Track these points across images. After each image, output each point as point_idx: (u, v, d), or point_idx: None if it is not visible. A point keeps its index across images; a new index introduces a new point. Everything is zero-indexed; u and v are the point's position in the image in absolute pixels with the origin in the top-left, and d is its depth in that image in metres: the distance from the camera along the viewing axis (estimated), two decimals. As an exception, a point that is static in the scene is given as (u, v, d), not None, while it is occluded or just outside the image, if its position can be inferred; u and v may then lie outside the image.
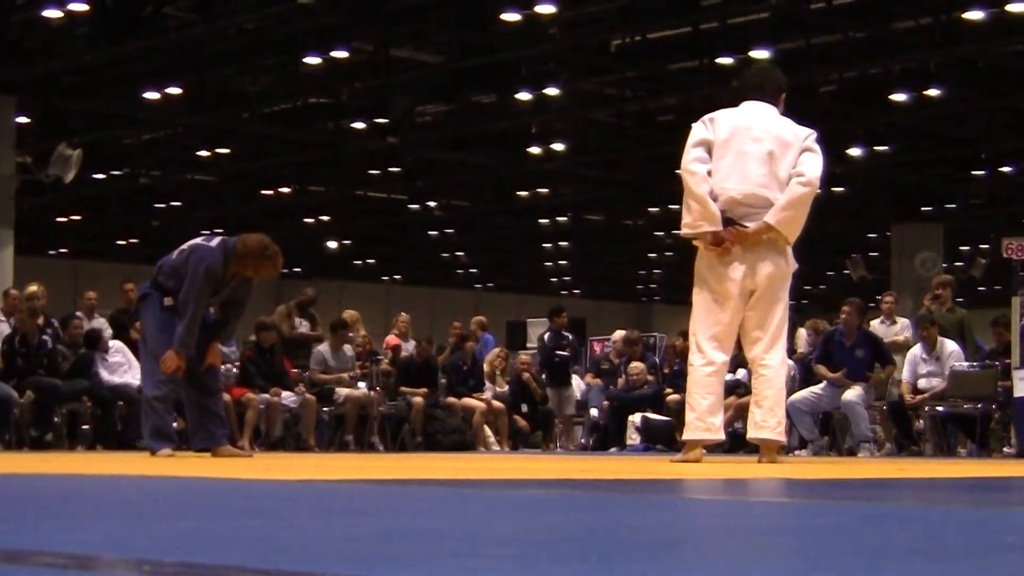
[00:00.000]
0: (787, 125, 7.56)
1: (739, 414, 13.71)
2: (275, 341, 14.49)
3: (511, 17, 17.16)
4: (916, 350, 13.85)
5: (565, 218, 33.65)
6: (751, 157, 7.39)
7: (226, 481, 4.92)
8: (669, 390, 15.62)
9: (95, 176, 26.37)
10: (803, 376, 14.03)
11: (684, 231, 7.53)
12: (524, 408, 16.80)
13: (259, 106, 22.19)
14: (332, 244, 36.87)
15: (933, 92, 20.11)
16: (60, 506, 3.36)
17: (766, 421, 7.53)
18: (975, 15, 16.84)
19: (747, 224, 7.36)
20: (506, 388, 16.89)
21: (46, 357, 13.40)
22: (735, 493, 4.56)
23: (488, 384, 16.65)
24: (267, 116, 22.73)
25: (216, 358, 8.97)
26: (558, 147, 24.20)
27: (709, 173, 7.39)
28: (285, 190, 29.27)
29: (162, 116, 22.53)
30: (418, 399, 15.54)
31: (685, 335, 14.93)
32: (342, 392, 14.89)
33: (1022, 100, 21.08)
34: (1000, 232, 19.49)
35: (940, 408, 13.51)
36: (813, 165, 7.47)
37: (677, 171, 7.60)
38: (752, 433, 7.64)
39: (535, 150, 24.43)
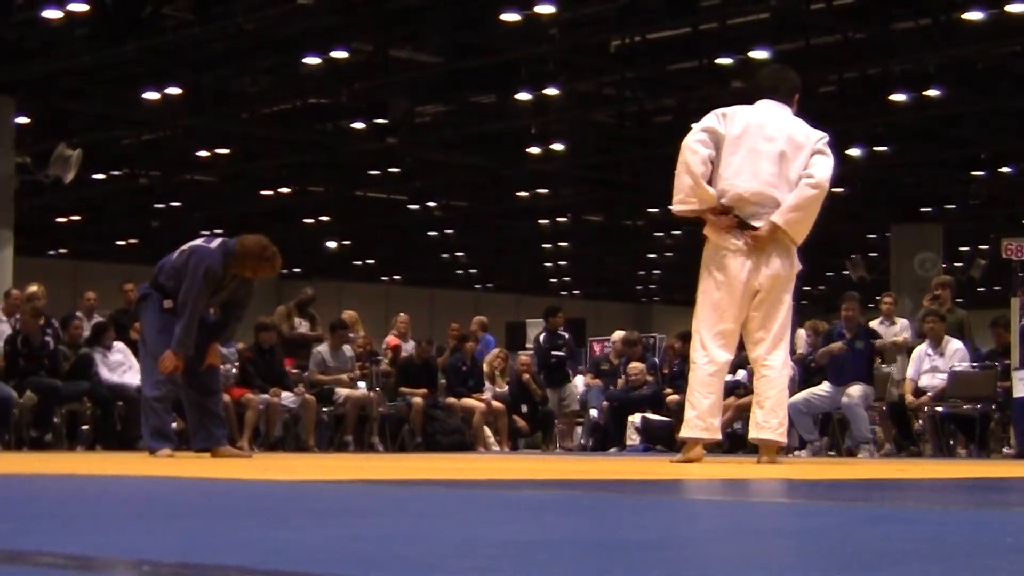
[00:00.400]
0: (800, 126, 7.56)
1: (739, 415, 13.73)
2: (275, 341, 14.49)
3: (510, 17, 17.16)
4: (922, 347, 13.86)
5: (564, 218, 33.64)
6: (763, 156, 7.39)
7: (225, 482, 4.92)
8: (669, 390, 15.62)
9: (95, 176, 26.36)
10: (803, 377, 14.03)
11: (676, 208, 7.50)
12: (524, 408, 16.81)
13: (258, 107, 22.19)
14: (331, 244, 36.87)
15: (932, 93, 20.10)
16: (60, 506, 3.36)
17: (767, 422, 7.52)
18: (974, 16, 16.84)
19: (755, 224, 7.36)
20: (506, 388, 16.90)
21: (48, 358, 13.41)
22: (735, 494, 4.56)
23: (488, 384, 16.66)
24: (266, 117, 22.73)
25: (216, 359, 8.98)
26: (557, 147, 24.20)
27: (711, 162, 7.39)
28: (284, 190, 29.26)
29: (162, 117, 22.53)
30: (418, 399, 15.54)
31: (684, 336, 14.99)
32: (342, 392, 14.89)
33: (1021, 101, 21.08)
34: (999, 233, 19.50)
35: (940, 409, 13.51)
36: (823, 168, 7.48)
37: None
38: (753, 433, 7.64)
39: (534, 150, 24.43)
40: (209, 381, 8.92)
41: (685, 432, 7.59)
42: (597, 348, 24.33)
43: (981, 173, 26.28)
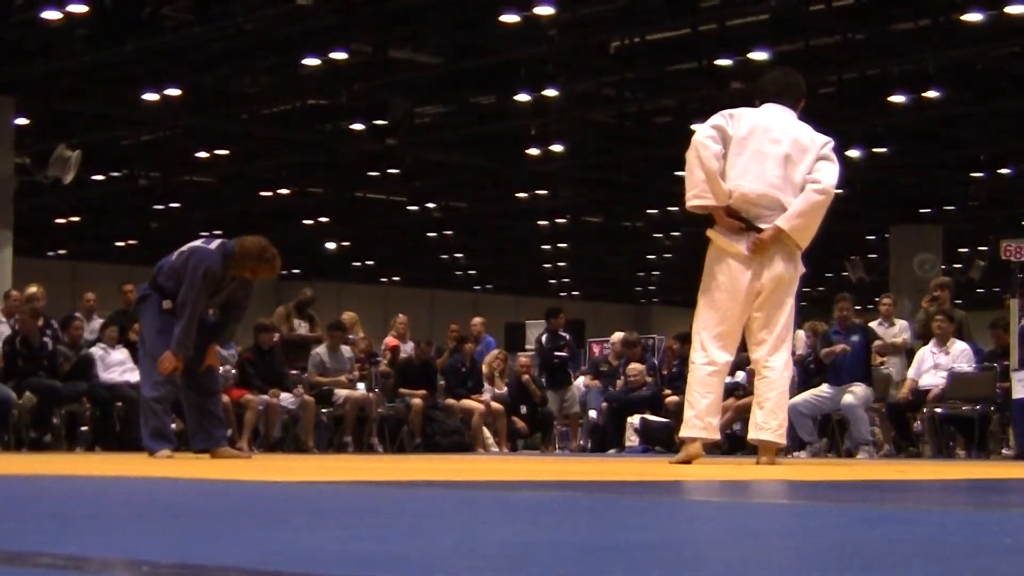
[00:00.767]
0: (805, 130, 7.56)
1: (738, 416, 13.72)
2: (274, 343, 14.49)
3: (509, 18, 17.15)
4: (927, 346, 13.86)
5: (564, 219, 33.63)
6: (768, 158, 7.39)
7: (225, 482, 4.92)
8: (668, 392, 15.61)
9: (94, 177, 26.35)
10: (802, 378, 14.04)
11: (692, 203, 7.44)
12: (523, 410, 16.81)
13: (258, 107, 22.18)
14: (331, 245, 36.85)
15: (932, 94, 20.10)
16: (59, 507, 3.36)
17: (767, 423, 7.52)
18: (974, 17, 16.84)
19: (760, 226, 7.37)
20: (505, 390, 16.91)
21: (47, 358, 13.41)
22: (734, 495, 4.56)
23: (487, 386, 16.66)
24: (266, 117, 22.72)
25: (214, 360, 8.97)
26: (557, 148, 24.19)
27: (722, 158, 7.38)
28: (284, 191, 29.25)
29: (161, 117, 22.52)
30: (417, 400, 15.54)
31: (683, 338, 15.00)
32: (341, 393, 14.90)
33: (1021, 102, 21.07)
34: (999, 234, 19.50)
35: (939, 410, 13.51)
36: (830, 174, 7.49)
37: (680, 174, 7.57)
38: (753, 434, 7.64)
39: (534, 151, 24.42)
40: (208, 382, 8.92)
41: (684, 432, 7.60)
42: (596, 349, 24.33)
43: (980, 174, 26.27)
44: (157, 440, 8.69)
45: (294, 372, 14.89)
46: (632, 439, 15.57)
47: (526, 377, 16.93)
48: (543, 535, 2.46)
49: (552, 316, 18.05)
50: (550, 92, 20.59)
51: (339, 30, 17.69)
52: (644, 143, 23.98)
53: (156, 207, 30.96)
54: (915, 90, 20.08)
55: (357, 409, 15.00)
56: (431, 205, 31.32)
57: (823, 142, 7.56)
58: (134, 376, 13.69)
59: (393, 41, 18.69)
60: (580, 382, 18.46)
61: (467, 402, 16.11)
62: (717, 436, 7.86)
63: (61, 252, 37.43)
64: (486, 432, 16.07)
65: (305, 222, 33.12)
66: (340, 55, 18.63)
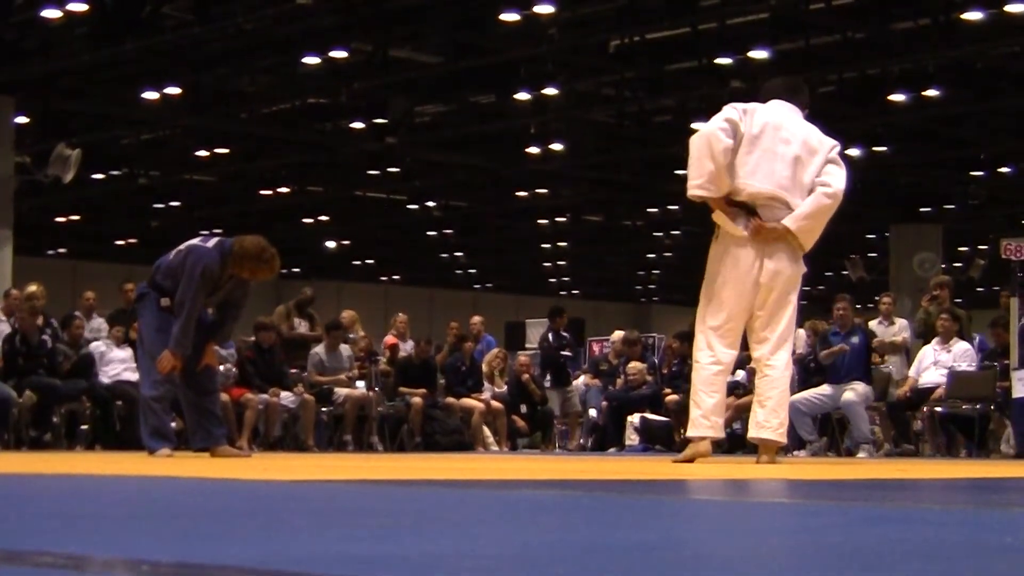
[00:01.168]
0: (814, 132, 7.57)
1: (738, 415, 13.72)
2: (274, 341, 14.49)
3: (509, 17, 17.16)
4: (929, 345, 13.86)
5: (564, 218, 33.64)
6: (778, 158, 7.38)
7: (224, 481, 4.92)
8: (668, 390, 15.61)
9: (94, 176, 26.37)
10: (801, 377, 14.03)
11: (694, 192, 7.42)
12: (523, 408, 16.82)
13: (257, 106, 22.19)
14: (331, 244, 36.86)
15: (932, 93, 20.11)
16: (59, 506, 3.36)
17: (768, 421, 7.52)
18: (973, 16, 16.84)
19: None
20: (505, 388, 16.91)
21: (46, 357, 13.41)
22: (735, 494, 4.56)
23: (487, 384, 16.67)
24: (265, 116, 22.73)
25: (212, 359, 8.97)
26: (557, 147, 24.20)
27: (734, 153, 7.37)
28: (284, 190, 29.26)
29: (161, 116, 22.53)
30: (417, 399, 15.54)
31: (683, 336, 15.01)
32: (341, 392, 14.90)
33: (1021, 101, 21.08)
34: (999, 233, 19.49)
35: (939, 409, 13.51)
36: (839, 178, 7.51)
37: (680, 173, 7.56)
38: (753, 432, 7.63)
39: (534, 150, 24.43)
40: (206, 381, 8.91)
41: (691, 431, 7.57)
42: (596, 348, 24.33)
43: (980, 173, 26.28)
44: (157, 439, 8.68)
45: (294, 371, 14.89)
46: (632, 438, 15.57)
47: (526, 376, 16.93)
48: (543, 534, 2.46)
49: (556, 315, 18.11)
50: (550, 91, 20.60)
51: (339, 29, 17.69)
52: (644, 142, 24.00)
53: (156, 206, 30.98)
54: (915, 89, 20.09)
55: (357, 408, 15.00)
56: (431, 204, 31.33)
57: (831, 145, 7.57)
58: (134, 375, 13.70)
59: (393, 40, 18.70)
60: (580, 381, 18.48)
61: (467, 401, 16.11)
62: (722, 435, 7.87)
63: (61, 251, 37.44)
64: (486, 431, 16.07)
65: (305, 221, 33.13)
66: (340, 54, 18.63)
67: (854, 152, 23.52)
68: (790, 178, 7.40)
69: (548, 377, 17.62)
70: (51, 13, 16.82)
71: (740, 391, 13.90)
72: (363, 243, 37.58)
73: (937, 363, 13.66)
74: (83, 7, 16.71)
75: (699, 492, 4.62)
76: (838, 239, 30.20)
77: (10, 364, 13.21)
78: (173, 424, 9.54)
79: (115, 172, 27.05)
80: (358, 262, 40.48)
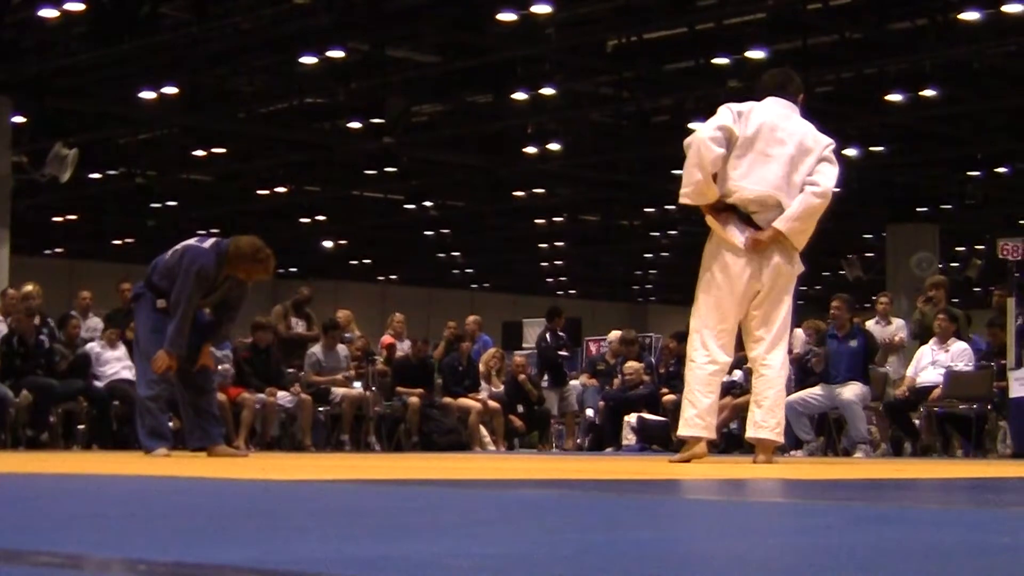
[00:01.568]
0: (809, 130, 7.55)
1: (734, 415, 13.72)
2: (271, 341, 14.49)
3: (507, 17, 17.16)
4: (929, 344, 13.86)
5: (561, 218, 33.65)
6: (773, 159, 7.38)
7: (221, 481, 4.91)
8: (665, 390, 15.62)
9: (91, 176, 26.36)
10: (799, 377, 14.04)
11: (684, 200, 7.48)
12: (520, 408, 16.82)
13: (255, 106, 22.19)
14: (328, 244, 36.86)
15: (929, 93, 20.12)
16: (55, 506, 3.35)
17: (766, 421, 7.51)
18: (971, 16, 16.85)
19: (756, 221, 7.38)
20: (502, 388, 16.91)
21: (43, 357, 13.40)
22: (731, 494, 4.56)
23: (484, 384, 16.67)
24: (263, 116, 22.72)
25: (208, 360, 8.97)
26: (554, 147, 24.20)
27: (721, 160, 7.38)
28: (281, 190, 29.26)
29: (158, 116, 22.52)
30: (414, 399, 15.55)
31: (680, 336, 15.00)
32: (338, 392, 14.90)
33: (1018, 101, 21.09)
34: (996, 233, 19.50)
35: (936, 408, 13.52)
36: (829, 176, 7.49)
37: (677, 173, 7.56)
38: (751, 432, 7.62)
39: (531, 150, 24.43)
40: (203, 380, 8.91)
41: (685, 431, 7.55)
42: (593, 348, 24.33)
43: (977, 173, 26.30)
44: (153, 439, 8.68)
45: (291, 371, 14.89)
46: (629, 438, 15.58)
47: (522, 376, 16.94)
48: (540, 534, 2.46)
49: (554, 316, 18.13)
50: (547, 91, 20.60)
51: (336, 29, 17.69)
52: (641, 142, 23.99)
53: (153, 205, 30.97)
54: (912, 89, 20.10)
55: (354, 408, 15.00)
56: (428, 204, 31.34)
57: (825, 143, 7.55)
58: (131, 373, 13.69)
59: (390, 40, 18.70)
60: (578, 382, 18.49)
61: (464, 401, 16.11)
62: (715, 436, 7.86)
63: (58, 250, 37.43)
64: (483, 431, 16.07)
65: (302, 220, 33.12)
66: (337, 54, 18.64)
67: (851, 152, 23.55)
68: (783, 178, 7.39)
69: (546, 377, 17.64)
70: (48, 12, 16.82)
71: (737, 391, 13.90)
72: (360, 243, 37.58)
73: (935, 363, 13.66)
74: (80, 6, 16.71)
75: (696, 492, 4.62)
76: (835, 239, 30.25)
77: (7, 365, 13.20)
78: (170, 424, 9.54)
79: (112, 171, 27.05)
80: (355, 262, 40.48)
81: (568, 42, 18.54)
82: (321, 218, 33.24)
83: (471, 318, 18.85)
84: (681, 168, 7.55)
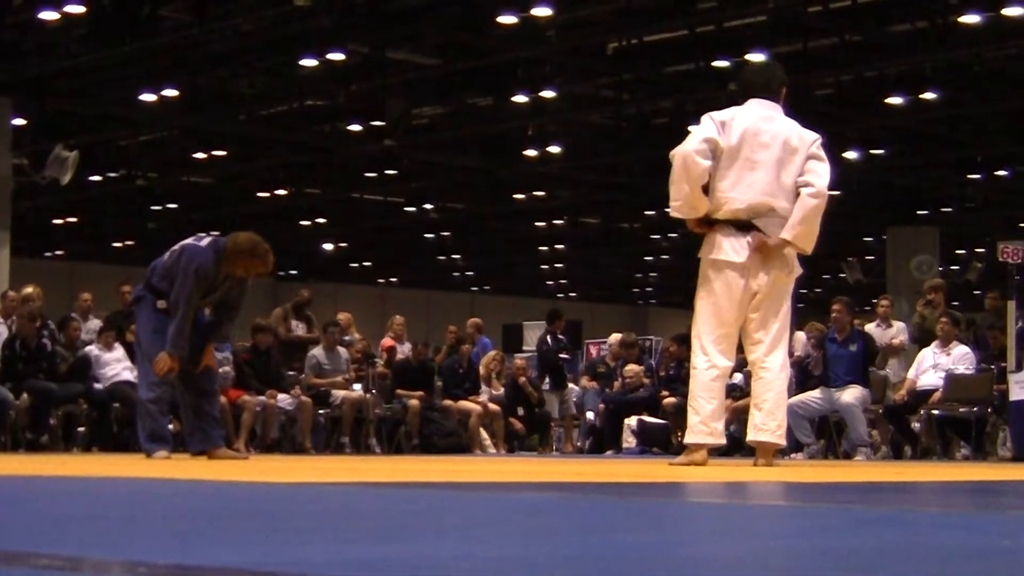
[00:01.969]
0: (794, 129, 7.51)
1: (735, 417, 13.71)
2: (271, 344, 14.49)
3: (507, 20, 17.16)
4: (931, 347, 13.86)
5: (561, 221, 33.64)
6: (759, 166, 7.36)
7: (222, 484, 4.91)
8: (665, 393, 15.61)
9: (91, 178, 26.35)
10: (799, 379, 14.04)
11: (676, 214, 7.51)
12: (520, 411, 16.82)
13: (255, 108, 22.18)
14: (328, 246, 36.86)
15: (929, 95, 20.12)
16: (56, 508, 3.35)
17: (766, 424, 7.50)
18: (971, 19, 16.86)
19: (755, 223, 7.38)
20: (502, 391, 16.91)
21: (45, 360, 13.40)
22: (732, 497, 4.56)
23: (484, 387, 16.67)
24: (263, 118, 22.72)
25: (212, 360, 8.97)
26: (554, 150, 24.20)
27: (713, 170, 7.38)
28: (281, 192, 29.26)
29: (158, 118, 22.52)
30: (414, 402, 15.55)
31: (680, 339, 15.00)
32: (338, 394, 14.90)
33: (1018, 103, 21.09)
34: (996, 236, 19.49)
35: (936, 412, 13.51)
36: (822, 175, 7.45)
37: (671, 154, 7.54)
38: (752, 436, 7.60)
39: (531, 153, 24.43)
40: (205, 383, 8.90)
41: (690, 438, 7.53)
42: (594, 350, 24.34)
43: (977, 176, 26.29)
44: (154, 441, 8.68)
45: (291, 373, 14.88)
46: (629, 440, 15.57)
47: (523, 379, 16.93)
48: (541, 537, 2.46)
49: (554, 318, 18.14)
50: (548, 93, 20.60)
51: (337, 31, 17.68)
52: (642, 144, 23.98)
53: (154, 208, 30.97)
54: (912, 91, 20.10)
55: (355, 410, 15.00)
56: (428, 206, 31.33)
57: (812, 140, 7.51)
58: (131, 375, 13.69)
59: (391, 42, 18.70)
60: (577, 387, 18.50)
61: (464, 403, 16.11)
62: (723, 441, 7.81)
63: (59, 253, 37.43)
64: (483, 433, 16.07)
65: (302, 223, 33.12)
66: (338, 56, 18.64)
67: (851, 154, 23.56)
68: (772, 183, 7.38)
69: (547, 380, 17.65)
70: (49, 14, 16.82)
71: (737, 394, 13.89)
72: (360, 245, 37.58)
73: (936, 366, 13.66)
74: (81, 8, 16.71)
75: (696, 495, 4.62)
76: (835, 241, 30.22)
77: (10, 368, 13.20)
78: (170, 426, 9.53)
79: (113, 174, 27.05)
80: (355, 264, 40.48)
81: (568, 44, 18.54)
82: (321, 220, 33.24)
83: (471, 321, 18.87)
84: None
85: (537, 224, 33.77)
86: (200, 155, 25.73)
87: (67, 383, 13.49)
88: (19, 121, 20.83)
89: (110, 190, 28.46)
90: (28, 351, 13.28)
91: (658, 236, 34.47)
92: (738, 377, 13.74)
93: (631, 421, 15.63)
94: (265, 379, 14.11)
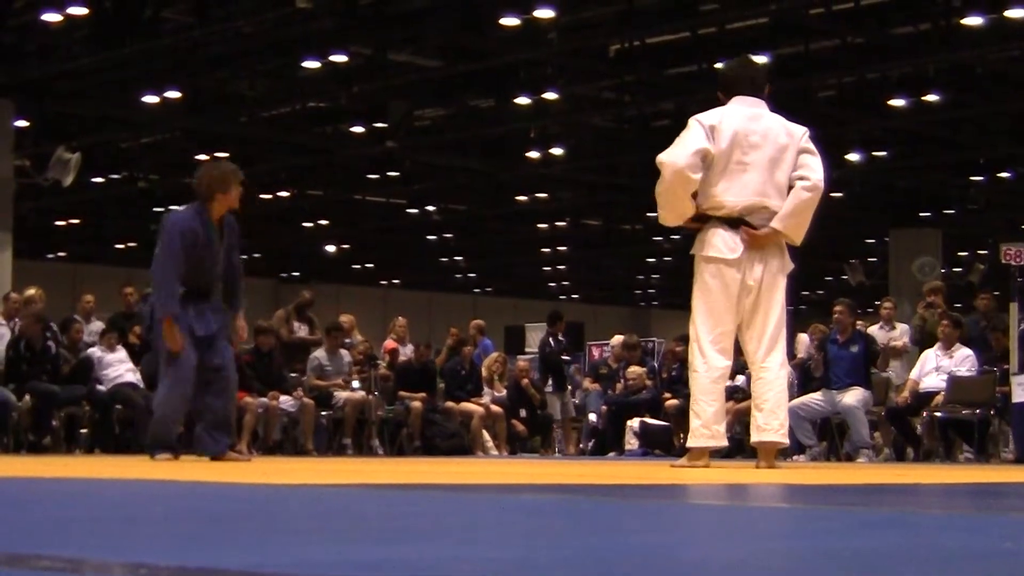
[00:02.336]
0: (781, 125, 7.48)
1: (737, 419, 13.70)
2: (273, 345, 14.49)
3: (509, 21, 17.17)
4: (933, 348, 13.85)
5: (563, 222, 33.65)
6: (750, 167, 7.35)
7: (224, 485, 4.91)
8: (667, 395, 15.61)
9: (93, 180, 26.37)
10: (801, 381, 14.03)
11: (667, 223, 7.66)
12: (522, 413, 16.82)
13: (257, 110, 22.20)
14: (330, 248, 36.87)
15: (931, 97, 20.12)
16: (58, 510, 3.35)
17: (768, 424, 7.50)
18: (973, 21, 16.86)
19: (750, 221, 7.39)
20: (504, 393, 16.91)
21: (50, 363, 13.41)
22: (734, 498, 4.56)
23: (486, 389, 16.67)
24: (265, 120, 22.73)
25: (243, 331, 8.90)
26: (556, 152, 24.21)
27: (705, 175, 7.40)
28: (283, 194, 29.26)
29: (160, 119, 22.53)
30: (416, 403, 15.54)
31: (683, 340, 14.97)
32: (341, 396, 14.90)
33: (1020, 105, 21.09)
34: (998, 237, 19.49)
35: (939, 414, 13.50)
36: (816, 168, 7.44)
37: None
38: (755, 437, 7.58)
39: (533, 154, 24.44)
40: (223, 385, 8.72)
41: (692, 442, 7.52)
42: (596, 352, 24.33)
43: (980, 178, 26.29)
44: (159, 445, 8.64)
45: (293, 375, 14.88)
46: (631, 442, 15.56)
47: (525, 381, 16.93)
48: (543, 538, 2.46)
49: (556, 320, 18.13)
50: (550, 95, 20.61)
51: (339, 33, 17.69)
52: (643, 146, 23.93)
53: (156, 209, 30.92)
54: (915, 93, 20.11)
55: (357, 412, 15.00)
56: (430, 208, 31.34)
57: (801, 134, 7.49)
58: (134, 376, 13.70)
59: (393, 44, 18.70)
60: (580, 390, 18.51)
61: (466, 405, 16.11)
62: (725, 443, 7.81)
63: (61, 254, 37.45)
64: (485, 435, 16.07)
65: (305, 224, 33.14)
66: (340, 58, 18.65)
67: (854, 156, 23.56)
68: (765, 182, 7.38)
69: (549, 382, 17.64)
70: (51, 16, 16.84)
71: (739, 395, 13.89)
72: (363, 247, 37.59)
73: (939, 368, 13.65)
74: (83, 10, 16.72)
75: (698, 496, 4.62)
76: (837, 243, 30.25)
77: (14, 370, 13.21)
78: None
79: (115, 175, 27.06)
80: (357, 266, 40.49)
81: (570, 46, 18.54)
82: (323, 222, 33.25)
83: (473, 322, 18.86)
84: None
85: (539, 226, 33.78)
86: (202, 157, 25.71)
87: (69, 385, 13.49)
88: (21, 123, 20.85)
89: (112, 192, 28.47)
90: (33, 353, 13.29)
91: (660, 238, 34.42)
92: (740, 379, 13.73)
93: (633, 423, 15.63)
94: (267, 381, 14.11)
